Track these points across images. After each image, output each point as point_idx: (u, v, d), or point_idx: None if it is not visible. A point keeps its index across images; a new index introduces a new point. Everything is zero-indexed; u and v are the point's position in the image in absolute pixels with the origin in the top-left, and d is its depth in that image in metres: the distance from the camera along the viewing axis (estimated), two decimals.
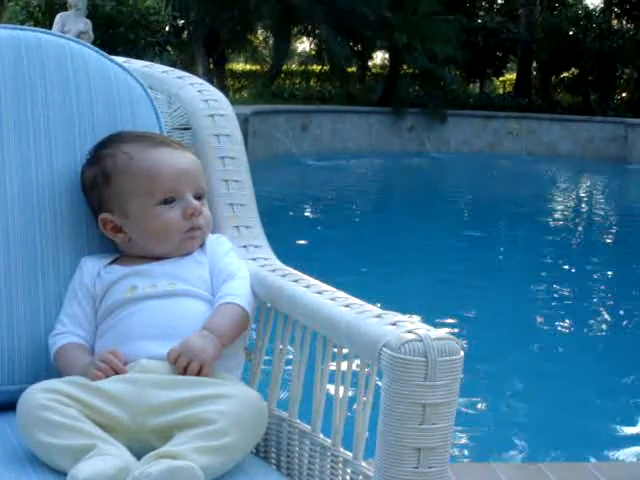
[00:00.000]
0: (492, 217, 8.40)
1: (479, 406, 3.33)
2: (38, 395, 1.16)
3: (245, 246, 1.44)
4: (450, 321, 4.33)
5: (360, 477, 1.11)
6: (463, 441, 2.97)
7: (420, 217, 7.81)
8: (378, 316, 1.07)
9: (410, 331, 1.00)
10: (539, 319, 4.77)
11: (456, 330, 4.18)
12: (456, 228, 7.57)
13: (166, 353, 1.24)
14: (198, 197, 1.37)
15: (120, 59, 1.56)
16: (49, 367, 1.31)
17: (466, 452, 2.90)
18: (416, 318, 1.09)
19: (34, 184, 1.38)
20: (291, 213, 7.87)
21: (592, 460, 2.66)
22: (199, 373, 1.21)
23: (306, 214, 8.08)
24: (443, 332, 1.01)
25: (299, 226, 7.12)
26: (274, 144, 11.58)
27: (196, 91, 1.56)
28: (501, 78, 18.44)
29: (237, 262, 1.37)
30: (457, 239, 7.00)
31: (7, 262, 1.35)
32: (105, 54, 1.52)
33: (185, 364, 1.21)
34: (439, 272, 5.65)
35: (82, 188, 1.38)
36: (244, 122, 9.83)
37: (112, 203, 1.35)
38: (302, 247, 6.08)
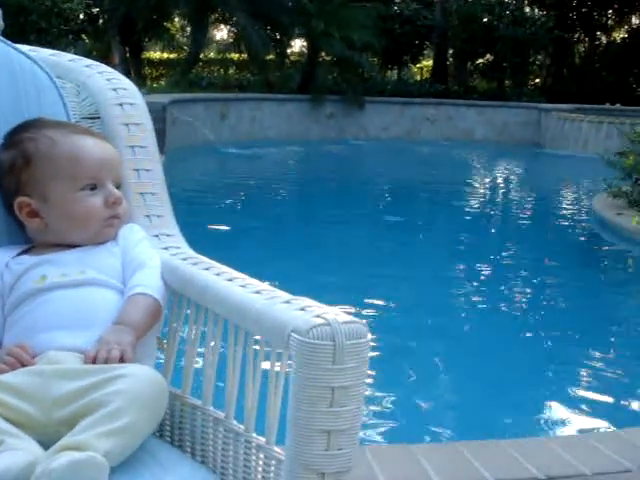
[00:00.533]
0: (410, 202, 8.51)
1: (396, 390, 3.38)
2: None
3: (157, 235, 1.43)
4: (368, 306, 4.37)
5: (273, 462, 1.12)
6: (381, 424, 3.01)
7: (339, 204, 7.85)
8: (287, 302, 1.08)
9: (318, 315, 1.02)
10: (455, 302, 4.84)
11: (373, 314, 4.23)
12: (375, 214, 7.65)
13: (75, 344, 1.23)
14: (118, 186, 1.39)
15: (26, 47, 1.53)
16: None
17: (384, 435, 2.94)
18: (328, 303, 1.10)
19: None
20: (210, 202, 7.83)
21: (507, 438, 2.72)
22: (121, 361, 1.20)
23: (225, 203, 8.04)
24: (351, 316, 1.03)
25: (218, 215, 7.09)
26: (193, 133, 11.49)
27: (105, 80, 1.54)
28: (418, 65, 18.61)
29: (148, 251, 1.36)
30: (376, 225, 7.07)
31: None
32: (9, 43, 1.49)
33: (105, 354, 1.19)
34: (357, 258, 5.70)
35: None
36: (162, 111, 9.73)
37: (31, 187, 1.34)
38: (221, 236, 6.05)
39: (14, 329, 1.28)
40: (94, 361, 1.19)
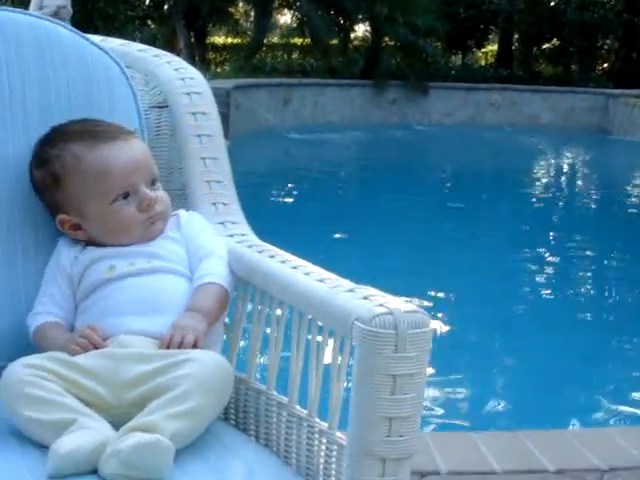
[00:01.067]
0: (473, 189, 8.44)
1: (459, 377, 3.38)
2: (20, 371, 1.18)
3: (222, 223, 1.46)
4: (429, 294, 4.37)
5: (335, 446, 1.14)
6: (442, 411, 3.01)
7: (402, 189, 7.83)
8: (351, 290, 1.10)
9: (381, 305, 1.03)
10: (521, 291, 4.81)
11: (437, 302, 4.22)
12: (438, 200, 7.61)
13: (144, 328, 1.27)
14: (153, 182, 1.38)
15: (97, 38, 1.57)
16: (30, 346, 1.33)
17: (445, 423, 2.94)
18: (390, 293, 1.11)
19: (11, 165, 1.39)
20: (273, 186, 7.88)
21: (570, 428, 2.71)
22: (194, 346, 1.23)
23: (288, 187, 8.09)
24: (413, 305, 1.04)
25: (281, 200, 7.13)
26: (256, 118, 11.55)
27: (173, 69, 1.57)
28: (483, 50, 18.41)
29: (214, 239, 1.39)
30: (439, 211, 7.04)
31: None
32: (81, 34, 1.53)
33: (180, 339, 1.23)
34: (421, 244, 5.68)
35: (33, 189, 1.38)
36: (226, 96, 9.79)
37: (67, 204, 1.36)
38: (283, 221, 6.09)
39: (85, 315, 1.32)
40: (168, 345, 1.23)
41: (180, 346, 1.23)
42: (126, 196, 1.34)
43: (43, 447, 1.13)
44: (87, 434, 1.11)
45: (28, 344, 1.34)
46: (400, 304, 1.04)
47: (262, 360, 1.33)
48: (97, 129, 1.38)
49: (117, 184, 1.34)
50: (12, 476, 1.08)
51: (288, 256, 1.30)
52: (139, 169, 1.36)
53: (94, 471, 1.09)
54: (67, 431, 1.11)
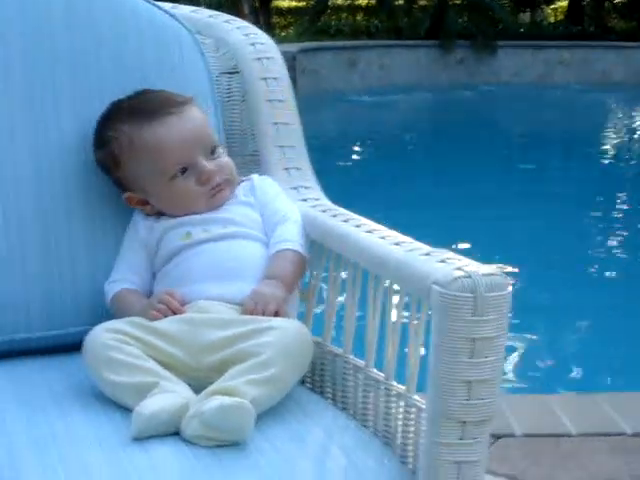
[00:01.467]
0: (544, 149, 8.30)
1: (534, 339, 3.35)
2: (102, 335, 1.21)
3: (295, 188, 1.46)
4: (501, 256, 4.33)
5: (413, 409, 1.14)
6: (518, 374, 3.00)
7: (470, 151, 7.74)
8: (427, 254, 1.10)
9: (459, 268, 1.03)
10: (592, 252, 4.74)
11: (507, 265, 4.18)
12: (506, 161, 7.50)
13: (222, 294, 1.28)
14: (213, 150, 1.37)
15: (167, 5, 1.58)
16: (108, 312, 1.36)
17: (522, 385, 2.93)
18: (466, 255, 1.11)
19: (90, 132, 1.41)
20: (340, 150, 7.86)
21: None
22: (276, 315, 1.24)
23: (354, 151, 8.06)
24: (492, 268, 1.03)
25: (348, 163, 7.11)
26: (322, 81, 11.51)
27: (243, 35, 1.57)
28: (552, 6, 18.02)
29: (288, 204, 1.40)
30: (507, 172, 6.94)
31: (67, 213, 1.39)
32: (152, 1, 1.54)
33: (262, 308, 1.24)
34: (489, 206, 5.62)
35: (99, 167, 1.40)
36: (292, 60, 9.77)
37: (130, 183, 1.37)
38: (352, 184, 6.08)
39: (164, 282, 1.34)
40: (251, 313, 1.24)
41: (263, 314, 1.24)
42: (184, 171, 1.35)
43: (127, 410, 1.15)
44: (169, 397, 1.13)
45: (107, 310, 1.37)
46: (478, 267, 1.04)
47: (338, 324, 1.34)
48: (151, 105, 1.37)
49: (172, 161, 1.34)
50: (97, 438, 1.11)
51: (363, 220, 1.29)
52: (194, 142, 1.35)
53: (176, 433, 1.11)
54: (150, 394, 1.14)
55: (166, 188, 1.35)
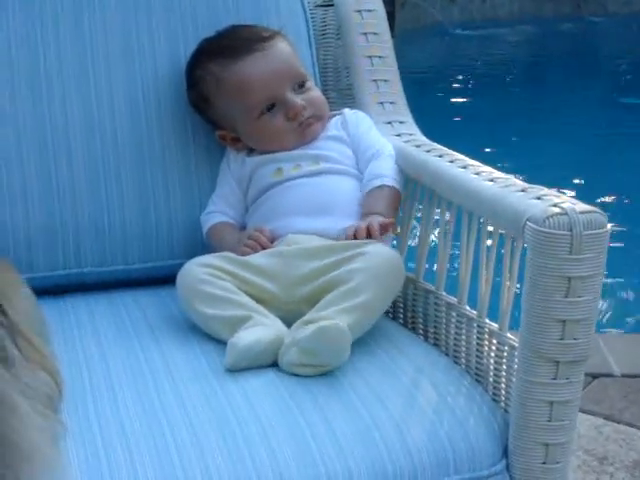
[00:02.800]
0: None
1: (633, 278, 3.27)
2: (196, 269, 1.23)
3: (390, 122, 1.44)
4: (602, 192, 4.21)
5: (506, 347, 1.12)
6: (615, 312, 2.93)
7: (573, 87, 7.51)
8: (522, 190, 1.07)
9: (555, 205, 0.99)
10: None
11: (608, 202, 4.06)
12: (613, 96, 7.25)
13: (314, 227, 1.28)
14: (301, 84, 1.36)
15: None
16: (203, 244, 1.38)
17: (618, 324, 2.86)
18: (565, 191, 1.07)
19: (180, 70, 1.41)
20: (439, 85, 7.72)
21: None
22: (383, 230, 1.24)
23: (454, 86, 7.91)
24: (589, 205, 1.00)
25: (447, 98, 6.99)
26: (422, 14, 11.28)
27: None
28: None
29: (381, 139, 1.38)
30: (614, 108, 6.72)
31: (162, 146, 1.41)
32: None
33: (365, 225, 1.23)
34: (594, 142, 5.46)
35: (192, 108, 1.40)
36: None
37: (221, 121, 1.38)
38: (449, 120, 5.98)
39: (255, 215, 1.35)
40: (355, 236, 1.23)
41: (368, 233, 1.23)
42: (271, 107, 1.34)
43: (221, 342, 1.17)
44: (263, 329, 1.14)
45: (202, 240, 1.39)
46: (575, 204, 1.00)
47: (431, 260, 1.32)
48: (237, 43, 1.36)
49: (258, 98, 1.33)
50: (193, 369, 1.13)
51: (457, 155, 1.27)
52: (280, 77, 1.34)
53: (269, 366, 1.13)
54: (244, 327, 1.15)
55: (255, 125, 1.35)
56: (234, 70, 1.34)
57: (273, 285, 1.22)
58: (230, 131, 1.39)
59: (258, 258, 1.24)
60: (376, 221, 1.24)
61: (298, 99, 1.35)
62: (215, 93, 1.36)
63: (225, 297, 1.19)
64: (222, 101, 1.36)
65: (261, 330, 1.14)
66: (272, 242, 1.28)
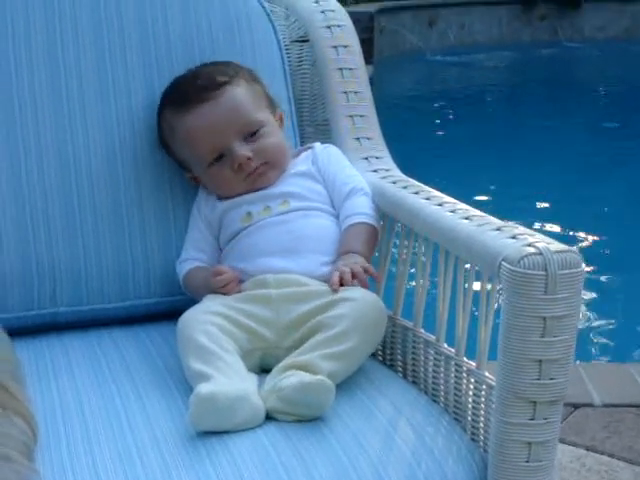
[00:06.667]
0: (630, 108, 8.06)
1: (613, 306, 3.28)
2: (201, 318, 1.19)
3: (366, 158, 1.44)
4: (580, 231, 4.22)
5: (483, 386, 1.12)
6: (595, 342, 2.94)
7: (551, 111, 7.58)
8: (498, 229, 1.07)
9: (530, 244, 1.00)
10: None
11: (592, 228, 4.08)
12: (591, 121, 7.31)
13: (292, 267, 1.27)
14: (253, 133, 1.33)
15: None
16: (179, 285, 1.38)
17: (598, 353, 2.87)
18: (544, 220, 1.07)
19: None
20: (418, 111, 7.76)
21: None
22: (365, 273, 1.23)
23: (433, 112, 7.95)
24: (564, 245, 1.00)
25: (426, 124, 7.03)
26: (401, 41, 11.37)
27: (313, 2, 1.56)
28: None
29: (356, 175, 1.38)
30: (591, 133, 6.77)
31: (138, 185, 1.41)
32: None
33: (349, 270, 1.22)
34: (574, 168, 5.50)
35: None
36: (370, 20, 9.66)
37: (183, 165, 1.39)
38: (428, 147, 6.01)
39: (229, 258, 1.34)
40: (341, 284, 1.22)
41: (353, 277, 1.22)
42: (219, 158, 1.33)
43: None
44: (225, 385, 1.08)
45: (178, 283, 1.38)
46: (550, 243, 1.00)
47: (408, 297, 1.32)
48: (189, 90, 1.34)
49: (205, 149, 1.32)
50: (171, 415, 1.12)
51: (433, 192, 1.27)
52: (227, 127, 1.31)
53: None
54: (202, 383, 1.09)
55: (206, 174, 1.35)
56: (183, 121, 1.34)
57: (267, 330, 1.21)
58: (191, 174, 1.39)
59: (249, 305, 1.22)
60: (358, 267, 1.23)
61: (245, 149, 1.32)
62: (170, 139, 1.37)
63: (209, 348, 1.15)
64: (177, 148, 1.37)
65: (224, 386, 1.08)
66: (240, 280, 1.27)
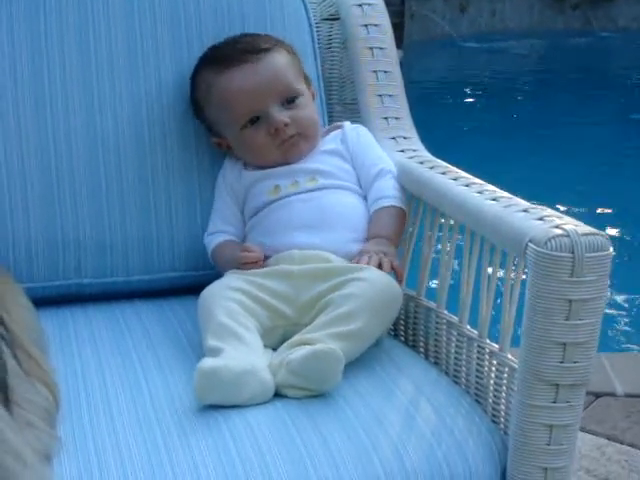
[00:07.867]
0: None
1: (636, 300, 3.25)
2: (223, 293, 1.20)
3: (394, 137, 1.44)
4: (611, 212, 4.18)
5: (506, 369, 1.11)
6: (619, 331, 2.91)
7: (582, 101, 7.50)
8: (525, 210, 1.06)
9: (557, 226, 0.99)
10: None
11: (618, 221, 4.04)
12: (623, 112, 7.23)
13: (314, 243, 1.26)
14: (291, 100, 1.33)
15: None
16: (205, 255, 1.38)
17: (622, 343, 2.85)
18: (572, 207, 1.06)
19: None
20: (447, 97, 7.72)
21: None
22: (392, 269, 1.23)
23: (462, 99, 7.90)
24: (592, 228, 0.99)
25: (454, 111, 6.98)
26: (431, 26, 11.29)
27: None
28: None
29: (383, 156, 1.37)
30: (624, 123, 6.70)
31: (165, 159, 1.41)
32: None
33: (376, 262, 1.22)
34: (603, 159, 5.44)
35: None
36: (401, 4, 9.60)
37: (214, 128, 1.37)
38: (457, 133, 5.97)
39: (254, 231, 1.34)
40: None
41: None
42: (255, 121, 1.32)
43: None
44: (232, 360, 1.08)
45: (203, 254, 1.39)
46: (577, 225, 0.99)
47: (432, 278, 1.31)
48: (231, 52, 1.34)
49: (241, 110, 1.31)
50: (190, 384, 1.12)
51: (461, 173, 1.26)
52: (267, 91, 1.31)
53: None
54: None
55: (238, 137, 1.34)
56: (222, 80, 1.33)
57: (287, 307, 1.20)
58: (222, 139, 1.38)
59: (271, 281, 1.22)
60: (388, 262, 1.22)
61: (283, 115, 1.32)
62: (206, 100, 1.35)
63: (227, 325, 1.15)
64: (211, 108, 1.35)
65: (231, 360, 1.08)
66: (265, 256, 1.27)
